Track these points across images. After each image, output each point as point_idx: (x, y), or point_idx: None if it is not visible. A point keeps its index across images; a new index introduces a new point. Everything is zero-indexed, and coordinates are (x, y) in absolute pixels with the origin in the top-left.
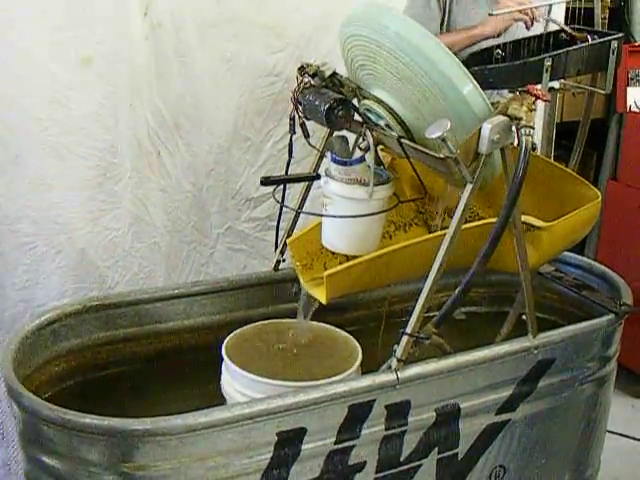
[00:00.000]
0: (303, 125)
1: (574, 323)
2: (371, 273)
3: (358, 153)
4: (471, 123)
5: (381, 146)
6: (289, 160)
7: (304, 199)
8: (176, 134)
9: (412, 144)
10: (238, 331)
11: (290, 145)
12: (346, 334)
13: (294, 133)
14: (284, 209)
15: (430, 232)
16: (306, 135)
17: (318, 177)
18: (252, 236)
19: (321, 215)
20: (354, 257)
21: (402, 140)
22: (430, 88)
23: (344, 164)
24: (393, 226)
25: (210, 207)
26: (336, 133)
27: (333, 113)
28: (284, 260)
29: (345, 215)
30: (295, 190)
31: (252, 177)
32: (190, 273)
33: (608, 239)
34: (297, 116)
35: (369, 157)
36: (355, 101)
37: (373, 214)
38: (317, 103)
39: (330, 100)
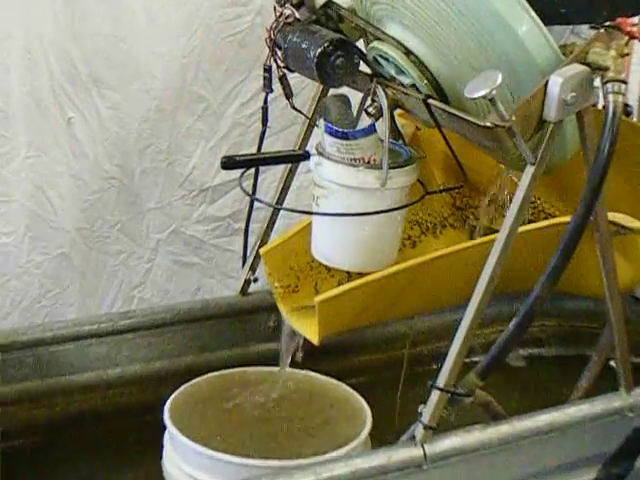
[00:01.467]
0: (284, 79)
1: None
2: (385, 299)
3: (366, 121)
4: (531, 76)
5: (399, 110)
6: (263, 131)
7: (285, 189)
8: (95, 93)
9: (445, 107)
10: (188, 385)
11: (264, 109)
12: (348, 389)
13: (270, 91)
14: (256, 204)
15: (472, 237)
16: (288, 94)
17: (307, 156)
18: (208, 244)
19: (311, 213)
20: (359, 275)
21: (430, 101)
22: (471, 26)
23: (345, 137)
24: (418, 229)
25: (146, 201)
26: (332, 91)
27: (328, 61)
28: (256, 280)
29: (346, 213)
30: (273, 176)
31: (208, 156)
32: (116, 299)
33: None
34: (275, 66)
35: (382, 127)
36: (361, 44)
37: (388, 211)
38: (304, 47)
39: (324, 42)
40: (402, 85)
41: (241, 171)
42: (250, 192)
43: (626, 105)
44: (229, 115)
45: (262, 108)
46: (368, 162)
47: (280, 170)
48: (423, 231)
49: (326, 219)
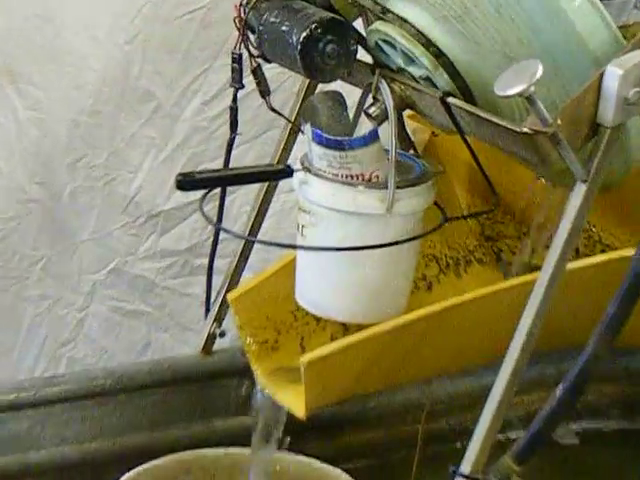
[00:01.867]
0: (258, 71)
1: None
2: (393, 358)
3: (366, 126)
4: (582, 66)
5: (410, 112)
6: (232, 139)
7: (261, 214)
8: (11, 89)
9: (469, 107)
10: (135, 472)
11: (233, 110)
12: (345, 476)
13: (241, 87)
14: (223, 235)
15: (507, 276)
16: (264, 91)
17: (289, 172)
18: (160, 286)
19: (295, 247)
20: (359, 328)
21: (450, 100)
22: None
23: (338, 147)
24: (435, 266)
25: (78, 230)
26: (322, 87)
27: (316, 48)
28: (223, 334)
29: (341, 247)
30: (245, 197)
31: (159, 171)
32: (39, 359)
33: None
34: (247, 54)
35: (387, 133)
36: (360, 25)
37: (396, 244)
38: (285, 29)
39: (310, 23)
40: (413, 79)
41: (203, 192)
42: (214, 219)
43: None
44: (186, 118)
45: (230, 108)
46: (369, 180)
47: (254, 190)
48: (442, 269)
49: (314, 255)
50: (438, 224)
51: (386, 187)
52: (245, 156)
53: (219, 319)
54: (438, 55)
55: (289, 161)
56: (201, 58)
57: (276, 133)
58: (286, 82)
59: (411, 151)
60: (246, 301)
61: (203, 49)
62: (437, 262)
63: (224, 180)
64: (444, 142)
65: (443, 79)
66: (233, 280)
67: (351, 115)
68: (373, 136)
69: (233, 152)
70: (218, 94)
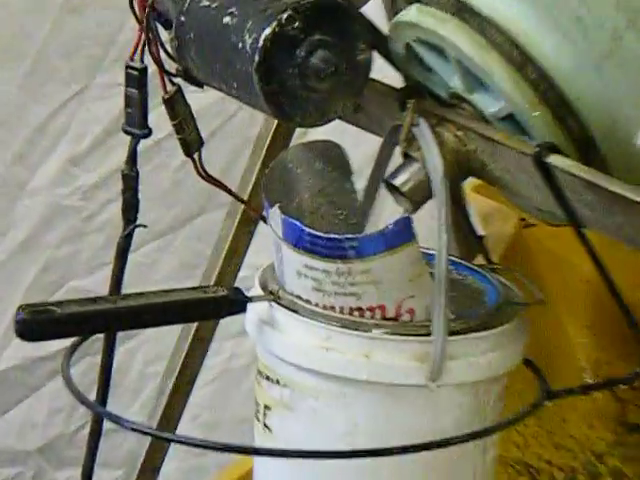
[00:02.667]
0: (176, 102)
1: None
2: None
3: (390, 212)
4: None
5: (475, 181)
6: (128, 232)
7: (185, 381)
8: None
9: (591, 174)
10: None
11: (130, 177)
12: None
13: (145, 134)
14: (111, 424)
15: None
16: (190, 142)
17: (239, 303)
18: None
19: (251, 453)
20: None
21: (554, 161)
22: None
23: (336, 253)
24: None
25: None
26: (300, 133)
27: (290, 59)
28: None
29: (343, 452)
30: (154, 343)
31: None
32: None
33: None
34: (157, 68)
35: (430, 224)
36: (377, 11)
37: (445, 444)
38: (229, 21)
39: (278, 11)
40: (483, 118)
41: (70, 341)
42: (93, 396)
43: None
44: (36, 190)
45: (123, 175)
46: (396, 318)
47: (173, 332)
48: None
49: (289, 465)
50: (532, 404)
51: (427, 333)
52: (155, 265)
53: None
54: (537, 75)
55: (240, 278)
56: (67, 73)
57: (215, 219)
58: (235, 117)
59: (477, 259)
60: None
61: (70, 56)
62: (532, 475)
63: (110, 319)
64: (543, 238)
65: (543, 123)
66: None
67: (360, 189)
68: (402, 232)
69: (133, 257)
70: (100, 143)
